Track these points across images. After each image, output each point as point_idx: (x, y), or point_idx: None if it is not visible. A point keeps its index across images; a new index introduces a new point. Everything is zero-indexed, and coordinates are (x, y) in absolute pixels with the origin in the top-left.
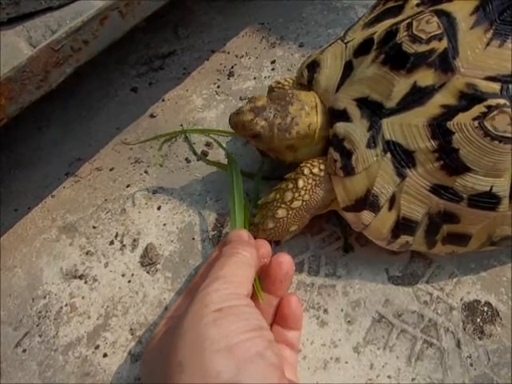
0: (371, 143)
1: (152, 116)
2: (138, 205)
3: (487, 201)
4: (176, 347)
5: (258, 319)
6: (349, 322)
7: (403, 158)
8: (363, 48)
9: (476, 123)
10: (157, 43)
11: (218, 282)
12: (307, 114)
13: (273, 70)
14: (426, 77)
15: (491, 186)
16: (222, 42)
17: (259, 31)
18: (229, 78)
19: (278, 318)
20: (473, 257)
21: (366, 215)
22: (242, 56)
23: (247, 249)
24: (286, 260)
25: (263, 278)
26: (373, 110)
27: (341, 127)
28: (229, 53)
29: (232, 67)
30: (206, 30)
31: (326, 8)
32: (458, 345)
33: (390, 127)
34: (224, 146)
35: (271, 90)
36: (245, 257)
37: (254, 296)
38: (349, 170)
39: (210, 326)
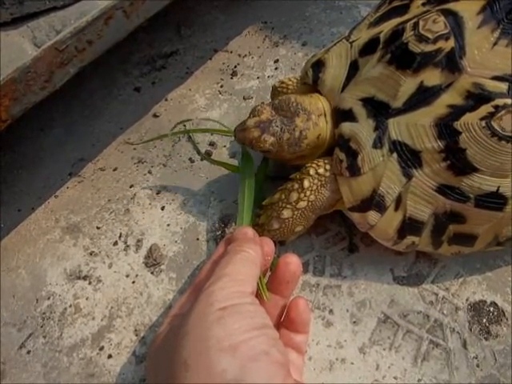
0: (377, 143)
1: (155, 116)
2: (141, 205)
3: (494, 201)
4: (181, 346)
5: (262, 317)
6: (354, 322)
7: (409, 158)
8: (369, 47)
9: (483, 123)
10: (159, 43)
11: (223, 280)
12: (315, 125)
13: (276, 69)
14: (432, 76)
15: (498, 187)
16: (225, 41)
17: (262, 30)
18: (232, 78)
19: (285, 321)
20: (478, 257)
21: (372, 215)
22: (245, 55)
23: (252, 246)
24: (293, 261)
25: (270, 279)
26: (379, 109)
27: (346, 127)
28: (232, 52)
29: (235, 66)
30: (208, 30)
31: (328, 7)
32: (464, 345)
33: (397, 127)
34: (227, 145)
35: (275, 89)
36: (250, 255)
37: (258, 294)
38: (355, 171)
39: (214, 324)
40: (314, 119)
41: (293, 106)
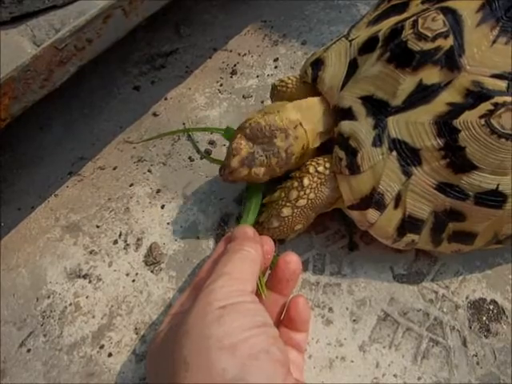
0: (377, 141)
1: (155, 115)
2: (141, 204)
3: (493, 199)
4: (181, 345)
5: (262, 316)
6: (354, 320)
7: (409, 156)
8: (368, 46)
9: (482, 121)
10: (159, 42)
11: (223, 278)
12: (295, 139)
13: (276, 67)
14: (431, 75)
15: (497, 184)
16: (225, 40)
17: (261, 29)
18: (231, 77)
19: (285, 320)
20: (478, 255)
21: (372, 214)
22: (245, 54)
23: (252, 245)
24: (293, 259)
25: (270, 277)
26: (378, 108)
27: (346, 126)
28: (231, 51)
29: (234, 65)
30: (208, 29)
31: (328, 6)
32: (464, 343)
33: (396, 125)
34: (227, 144)
35: (274, 88)
36: (250, 253)
37: (258, 293)
38: (354, 169)
39: (214, 323)
40: (292, 133)
41: (266, 130)
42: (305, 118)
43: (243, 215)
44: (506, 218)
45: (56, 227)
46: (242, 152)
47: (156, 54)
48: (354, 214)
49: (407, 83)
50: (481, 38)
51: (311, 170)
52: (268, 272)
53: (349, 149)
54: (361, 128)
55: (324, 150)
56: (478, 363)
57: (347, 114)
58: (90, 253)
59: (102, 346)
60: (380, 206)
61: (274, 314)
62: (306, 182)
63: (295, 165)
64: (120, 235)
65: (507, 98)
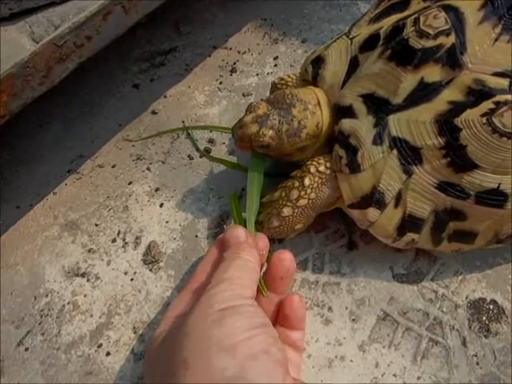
0: (377, 140)
1: (154, 112)
2: (140, 202)
3: (494, 198)
4: (180, 346)
5: (262, 317)
6: (353, 320)
7: (410, 154)
8: (369, 43)
9: (484, 120)
10: (158, 39)
11: (224, 283)
12: (313, 114)
13: (275, 66)
14: (433, 72)
15: (499, 183)
16: (224, 38)
17: (261, 27)
18: (231, 75)
19: (281, 319)
20: (478, 254)
21: (372, 212)
22: (245, 52)
23: (248, 252)
24: (287, 257)
25: (264, 275)
26: (379, 106)
27: (346, 123)
28: (231, 49)
29: (234, 63)
30: (207, 26)
31: (328, 4)
32: (464, 343)
33: (397, 124)
34: (226, 142)
35: (274, 86)
36: (248, 261)
37: (257, 296)
38: (354, 167)
39: (214, 325)
40: (311, 108)
41: (288, 97)
42: (324, 102)
43: (247, 219)
44: (507, 217)
45: (54, 225)
46: (259, 111)
47: (155, 52)
48: (354, 213)
49: (408, 81)
50: (483, 35)
51: (312, 169)
52: (264, 269)
53: (349, 147)
54: (361, 126)
55: (327, 150)
56: (477, 363)
57: (348, 112)
58: (89, 251)
59: (100, 345)
60: (380, 204)
61: (270, 313)
62: (306, 181)
63: (305, 143)
64: (118, 233)
65: (509, 97)
